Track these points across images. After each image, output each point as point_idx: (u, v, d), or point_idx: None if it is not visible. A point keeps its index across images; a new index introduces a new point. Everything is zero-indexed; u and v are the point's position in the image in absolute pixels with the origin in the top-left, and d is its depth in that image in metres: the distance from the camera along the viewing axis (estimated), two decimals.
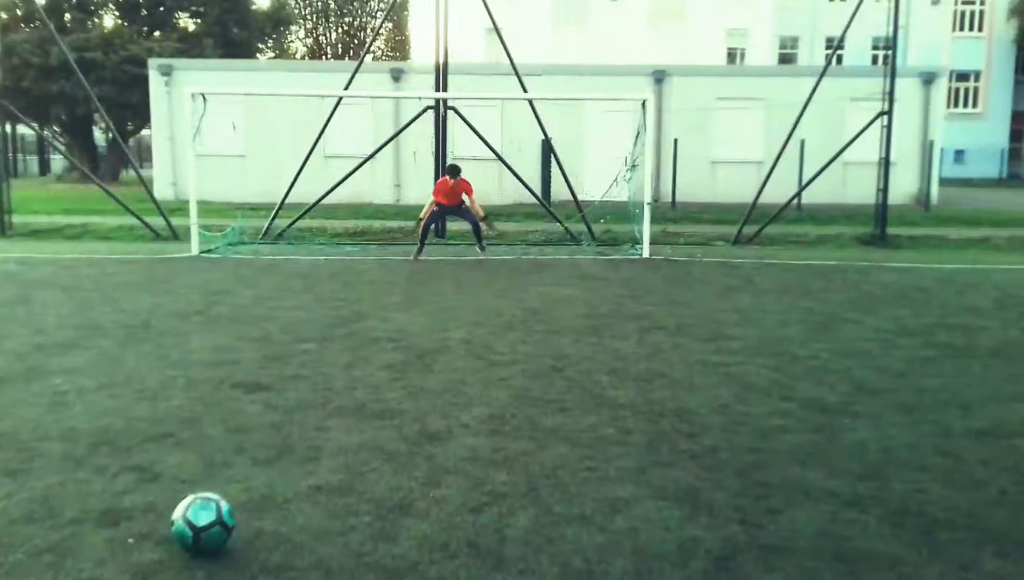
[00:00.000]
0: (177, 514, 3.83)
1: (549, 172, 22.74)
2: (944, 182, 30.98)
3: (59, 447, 5.17)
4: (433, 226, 15.33)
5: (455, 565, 3.78)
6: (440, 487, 4.63)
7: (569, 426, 5.67)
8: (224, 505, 3.88)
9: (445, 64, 17.28)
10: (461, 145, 22.33)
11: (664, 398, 6.34)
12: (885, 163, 16.96)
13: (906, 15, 39.03)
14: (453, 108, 17.47)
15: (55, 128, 36.91)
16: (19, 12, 33.57)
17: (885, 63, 17.41)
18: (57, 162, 45.39)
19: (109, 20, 36.22)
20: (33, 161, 47.39)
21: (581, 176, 22.83)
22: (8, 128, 37.43)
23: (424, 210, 14.87)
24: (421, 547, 3.93)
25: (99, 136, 42.02)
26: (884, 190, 17.09)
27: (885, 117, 16.73)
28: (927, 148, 25.64)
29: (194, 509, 3.80)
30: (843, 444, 5.39)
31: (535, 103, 17.67)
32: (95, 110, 26.99)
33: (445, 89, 17.33)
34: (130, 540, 3.96)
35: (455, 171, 14.54)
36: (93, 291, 10.82)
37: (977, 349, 8.10)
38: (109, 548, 3.89)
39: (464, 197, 14.53)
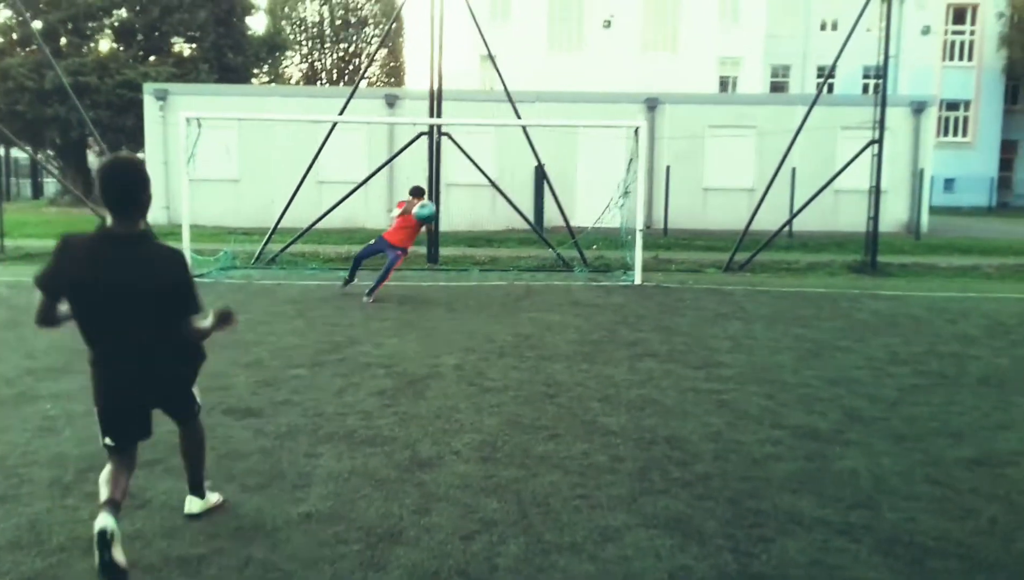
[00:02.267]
0: None
1: (542, 198, 22.82)
2: (934, 210, 31.19)
3: (48, 473, 5.15)
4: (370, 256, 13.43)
5: None
6: (431, 514, 4.61)
7: (561, 453, 5.66)
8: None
9: (439, 90, 17.39)
10: (455, 171, 22.46)
11: (656, 425, 6.34)
12: (876, 191, 17.07)
13: (896, 44, 39.45)
14: (447, 134, 17.55)
15: (49, 152, 36.90)
16: (15, 36, 33.66)
17: (876, 92, 17.54)
18: (50, 185, 45.36)
19: (105, 44, 36.35)
20: (26, 184, 47.35)
21: (574, 202, 22.95)
22: (2, 151, 37.35)
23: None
24: (411, 575, 3.91)
25: (93, 160, 42.02)
26: (875, 218, 17.19)
27: (876, 146, 16.85)
28: (917, 176, 25.81)
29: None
30: (834, 472, 5.39)
31: (528, 129, 17.77)
32: (89, 134, 26.99)
33: (439, 115, 17.42)
34: None
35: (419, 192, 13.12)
36: None
37: (968, 377, 8.12)
38: (96, 576, 3.85)
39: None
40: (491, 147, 24.74)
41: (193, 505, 4.56)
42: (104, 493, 3.97)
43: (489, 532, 4.40)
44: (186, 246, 14.89)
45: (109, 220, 3.86)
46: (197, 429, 4.54)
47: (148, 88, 27.01)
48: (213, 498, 4.64)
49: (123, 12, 35.32)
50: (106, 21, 35.57)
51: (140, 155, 36.60)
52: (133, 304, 3.86)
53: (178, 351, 4.15)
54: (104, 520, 3.78)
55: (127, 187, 3.80)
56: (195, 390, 4.44)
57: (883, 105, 16.85)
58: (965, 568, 4.09)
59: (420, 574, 3.93)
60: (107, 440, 4.10)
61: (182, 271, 3.98)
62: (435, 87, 17.32)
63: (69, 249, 3.85)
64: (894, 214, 25.63)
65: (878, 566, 4.09)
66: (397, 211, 13.00)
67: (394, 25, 34.00)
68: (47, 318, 3.92)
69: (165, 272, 3.91)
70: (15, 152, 40.58)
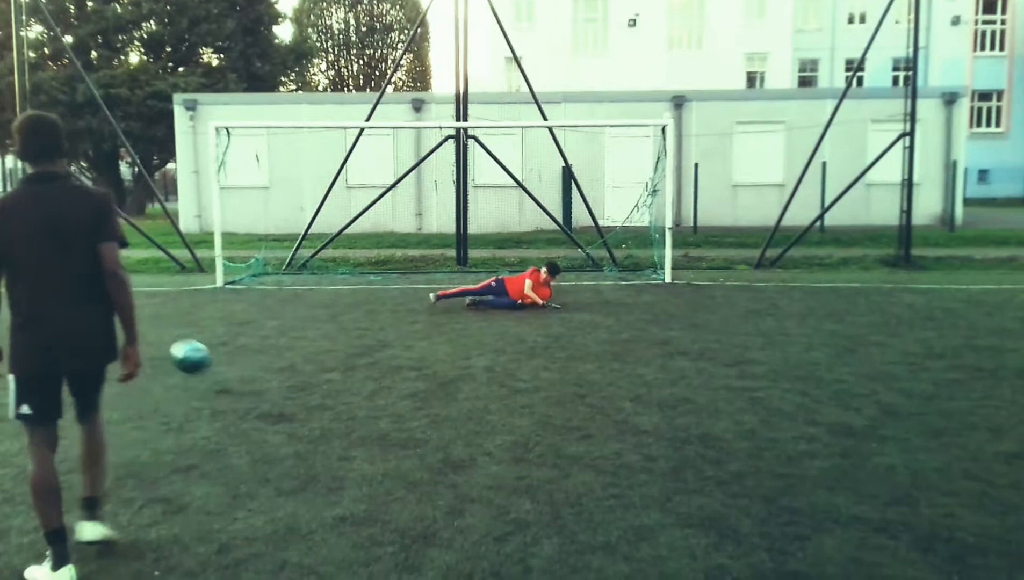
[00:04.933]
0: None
1: (570, 198, 22.79)
2: (968, 202, 30.76)
3: None
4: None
5: None
6: (464, 516, 4.62)
7: (593, 453, 5.65)
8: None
9: (465, 93, 17.42)
10: (482, 173, 22.50)
11: (689, 424, 6.31)
12: (908, 184, 16.86)
13: (926, 36, 39.06)
14: (474, 137, 17.59)
15: (82, 163, 37.43)
16: (46, 50, 34.17)
17: (906, 84, 17.35)
18: None
19: (134, 56, 36.80)
20: None
21: (602, 202, 22.89)
22: None
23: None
24: (446, 577, 3.92)
25: (125, 170, 42.58)
26: (908, 211, 16.98)
27: (907, 138, 16.65)
28: (950, 168, 25.48)
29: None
30: (871, 469, 5.33)
31: (555, 130, 17.75)
32: (121, 145, 27.32)
33: (465, 118, 17.45)
34: (156, 573, 3.98)
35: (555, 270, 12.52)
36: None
37: (1006, 370, 7.99)
38: None
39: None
40: (518, 149, 24.76)
41: (95, 530, 4.28)
42: (48, 519, 3.94)
43: (523, 533, 4.40)
44: (218, 253, 15.04)
45: (31, 169, 4.12)
46: (101, 430, 4.39)
47: (178, 98, 27.32)
48: (104, 530, 4.33)
49: (152, 24, 35.76)
50: (135, 33, 36.03)
51: (171, 165, 37.04)
52: (66, 237, 4.00)
53: (102, 316, 4.20)
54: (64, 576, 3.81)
55: (50, 132, 4.15)
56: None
57: (914, 97, 16.65)
58: (1006, 565, 4.03)
59: (454, 576, 3.94)
60: (24, 409, 4.00)
61: (106, 201, 4.20)
62: (461, 90, 17.36)
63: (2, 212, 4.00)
64: (927, 206, 25.31)
65: (916, 563, 4.04)
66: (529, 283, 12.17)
67: (419, 30, 34.04)
68: None
69: (91, 201, 4.13)
70: None
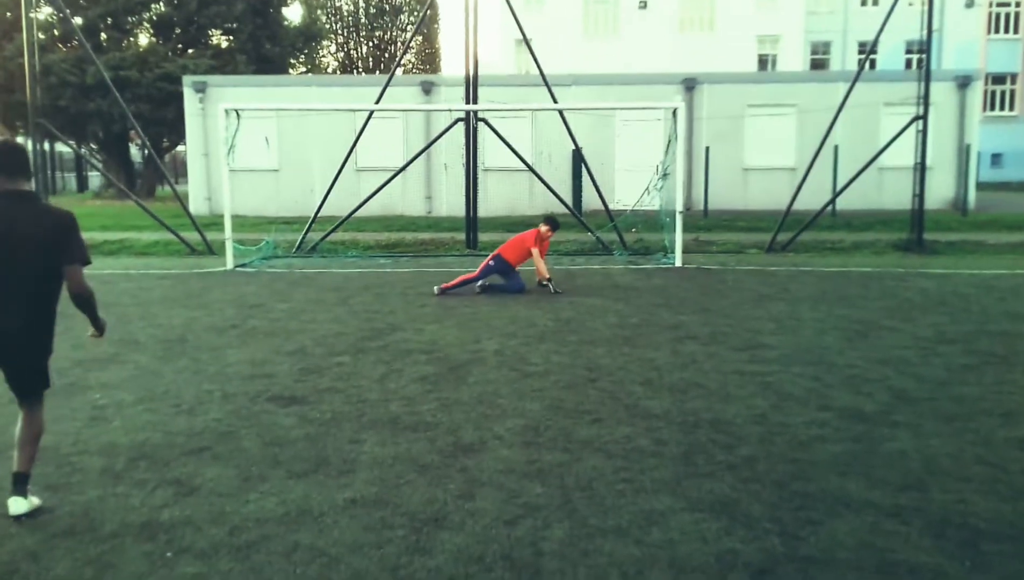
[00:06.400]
0: None
1: (580, 182, 22.71)
2: (981, 186, 30.54)
3: (99, 461, 5.24)
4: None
5: (491, 578, 3.77)
6: (474, 499, 4.62)
7: (604, 437, 5.64)
8: None
9: (475, 76, 17.35)
10: (492, 156, 22.43)
11: (699, 408, 6.29)
12: (921, 168, 16.75)
13: (940, 18, 38.64)
14: (483, 120, 17.53)
15: (92, 146, 37.45)
16: (56, 32, 34.15)
17: (919, 67, 17.20)
18: (94, 179, 46.10)
19: (144, 38, 36.77)
20: (71, 178, 48.14)
21: (612, 185, 22.80)
22: (47, 146, 38.09)
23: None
24: (456, 560, 3.92)
25: (135, 153, 42.61)
26: (920, 195, 16.87)
27: (920, 121, 16.53)
28: (963, 152, 25.30)
29: None
30: (883, 454, 5.31)
31: (565, 113, 17.68)
32: (131, 127, 27.32)
33: (475, 101, 17.39)
34: (168, 554, 4.00)
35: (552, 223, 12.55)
36: (131, 306, 10.97)
37: (1018, 356, 7.95)
38: (148, 562, 3.93)
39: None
40: (528, 132, 24.68)
41: (19, 505, 4.45)
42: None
43: (533, 516, 4.40)
44: (228, 236, 15.06)
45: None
46: (40, 417, 4.65)
47: (187, 81, 27.27)
48: (35, 500, 4.54)
49: (161, 6, 35.68)
50: (144, 15, 35.97)
51: (181, 147, 37.08)
52: (17, 252, 4.33)
53: (44, 322, 4.56)
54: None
55: (15, 155, 4.50)
56: (50, 370, 4.68)
57: (927, 80, 16.51)
58: (1019, 550, 4.01)
59: (465, 558, 3.94)
60: None
61: (71, 223, 4.50)
62: (471, 73, 17.29)
63: None
64: (940, 191, 25.13)
65: (929, 549, 4.03)
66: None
67: (429, 12, 33.94)
68: None
69: (57, 222, 4.45)
70: (59, 147, 41.21)
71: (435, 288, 12.05)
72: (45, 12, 32.70)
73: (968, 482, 4.83)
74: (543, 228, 12.33)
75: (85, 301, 4.53)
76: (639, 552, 4.00)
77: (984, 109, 40.13)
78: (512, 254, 12.17)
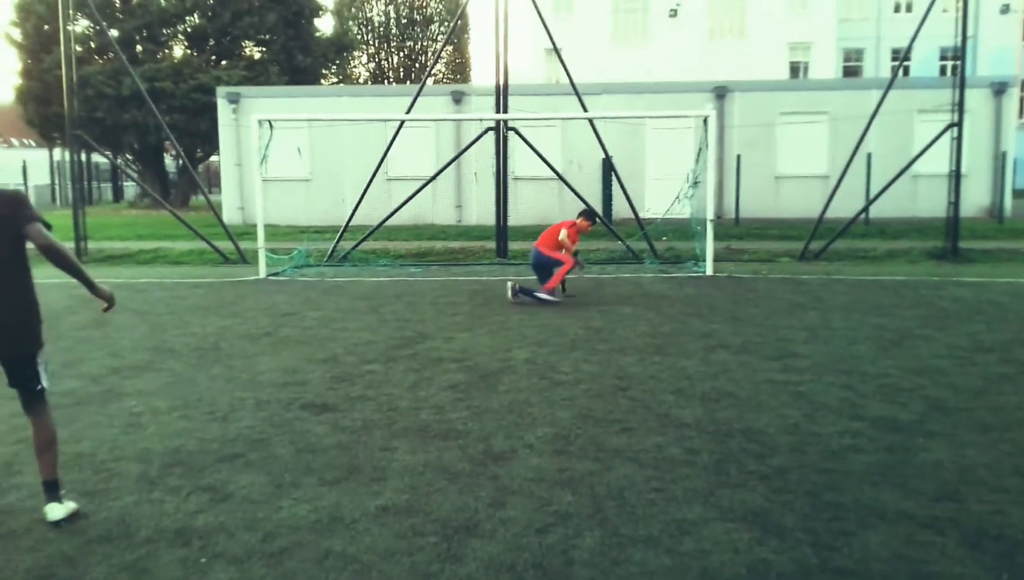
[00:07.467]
0: None
1: (610, 190, 22.70)
2: (1018, 194, 30.11)
3: (134, 468, 5.31)
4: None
5: None
6: (505, 508, 4.63)
7: (634, 446, 5.63)
8: None
9: (505, 85, 17.40)
10: (522, 165, 22.47)
11: (731, 418, 6.26)
12: (956, 175, 16.56)
13: (974, 25, 38.19)
14: (514, 129, 17.57)
15: (128, 156, 37.98)
16: (93, 44, 34.71)
17: (954, 74, 17.01)
18: (130, 189, 46.78)
19: (178, 50, 37.27)
20: (107, 188, 48.88)
21: (642, 194, 22.76)
22: (83, 157, 38.73)
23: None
24: (488, 568, 3.93)
25: (170, 163, 43.19)
26: (955, 203, 16.67)
27: (955, 129, 16.34)
28: (999, 159, 24.98)
29: None
30: (917, 464, 5.25)
31: (595, 122, 17.68)
32: (166, 138, 27.76)
33: (505, 110, 17.43)
34: (203, 560, 4.04)
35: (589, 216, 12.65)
36: (165, 314, 11.10)
37: None
38: (183, 567, 3.97)
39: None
40: (558, 141, 24.70)
41: (56, 511, 4.48)
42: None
43: (564, 525, 4.40)
44: (261, 245, 15.20)
45: None
46: (48, 424, 4.60)
47: (221, 92, 27.60)
48: (71, 504, 4.58)
49: (195, 18, 36.17)
50: (179, 27, 36.48)
51: (215, 158, 37.53)
52: None
53: (21, 308, 4.50)
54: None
55: None
56: (41, 368, 4.59)
57: (962, 87, 16.33)
58: None
59: (497, 567, 3.94)
60: None
61: (18, 194, 4.53)
62: (501, 82, 17.34)
63: None
64: (975, 198, 24.83)
65: (965, 560, 3.97)
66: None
67: (459, 22, 34.03)
68: None
69: (10, 198, 4.46)
70: (95, 157, 41.84)
71: (508, 292, 11.89)
72: (82, 25, 33.24)
73: (1005, 493, 4.77)
74: (579, 220, 12.34)
75: (56, 252, 4.42)
76: (670, 562, 3.98)
77: (1020, 116, 39.55)
78: (547, 241, 12.12)
